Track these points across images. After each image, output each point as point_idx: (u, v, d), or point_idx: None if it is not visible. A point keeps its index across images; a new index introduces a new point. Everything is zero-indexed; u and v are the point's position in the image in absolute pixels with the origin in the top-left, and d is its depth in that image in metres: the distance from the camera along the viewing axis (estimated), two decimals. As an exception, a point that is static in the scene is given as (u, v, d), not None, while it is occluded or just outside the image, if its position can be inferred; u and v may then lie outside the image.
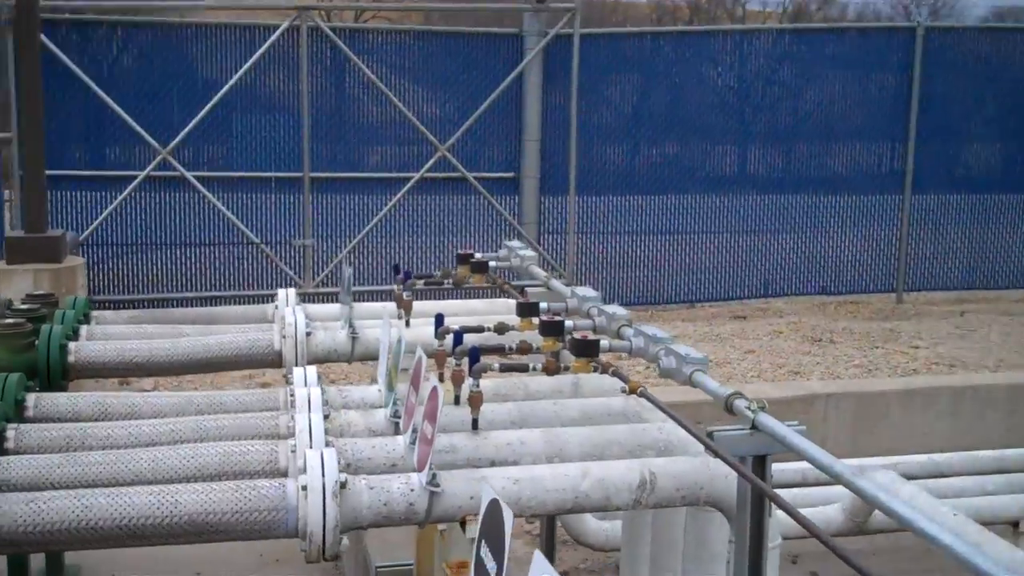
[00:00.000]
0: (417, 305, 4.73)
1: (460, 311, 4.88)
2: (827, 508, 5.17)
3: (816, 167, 12.15)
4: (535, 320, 3.91)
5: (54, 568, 5.31)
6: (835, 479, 2.67)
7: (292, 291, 5.01)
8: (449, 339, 3.76)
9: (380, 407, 3.68)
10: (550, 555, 4.57)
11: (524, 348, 3.72)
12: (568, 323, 3.78)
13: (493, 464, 3.28)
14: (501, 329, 3.96)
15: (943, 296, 12.24)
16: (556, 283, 4.97)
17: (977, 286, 12.44)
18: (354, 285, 5.47)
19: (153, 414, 3.62)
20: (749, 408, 2.97)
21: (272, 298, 5.15)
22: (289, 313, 4.58)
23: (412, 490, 2.94)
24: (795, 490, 5.34)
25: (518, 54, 10.97)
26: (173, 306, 9.80)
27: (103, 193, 10.26)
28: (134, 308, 9.59)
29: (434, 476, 2.95)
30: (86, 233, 10.10)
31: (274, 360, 4.50)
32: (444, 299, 5.73)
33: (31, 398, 3.64)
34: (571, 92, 10.92)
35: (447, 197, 11.09)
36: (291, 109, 10.61)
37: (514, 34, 11.04)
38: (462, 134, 10.87)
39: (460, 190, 11.06)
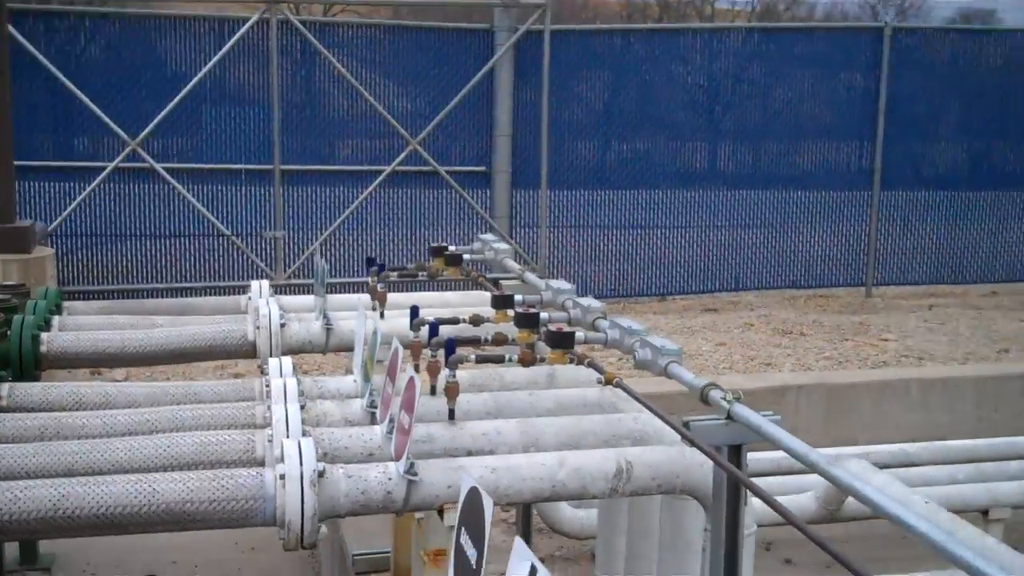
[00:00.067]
0: (391, 297, 4.73)
1: (434, 303, 4.88)
2: (800, 496, 5.22)
3: (785, 164, 12.25)
4: (510, 312, 3.91)
5: (29, 556, 5.30)
6: (810, 468, 2.69)
7: (266, 283, 4.99)
8: (424, 330, 3.76)
9: (356, 397, 3.68)
10: (526, 543, 4.58)
11: (499, 340, 3.73)
12: (543, 315, 3.80)
13: (470, 454, 3.29)
14: (476, 321, 3.97)
15: (911, 290, 12.37)
16: (531, 276, 4.98)
17: (945, 281, 12.58)
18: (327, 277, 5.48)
19: (128, 404, 3.61)
20: (725, 399, 2.99)
21: (244, 290, 5.14)
22: (263, 304, 4.56)
23: (390, 479, 2.94)
24: (768, 479, 5.38)
25: (489, 49, 10.98)
26: (143, 297, 9.76)
27: (72, 184, 10.20)
28: (104, 299, 9.53)
29: (412, 465, 2.95)
30: (55, 224, 10.03)
31: (248, 351, 4.48)
32: (418, 291, 5.74)
33: (4, 387, 3.61)
34: (542, 88, 10.94)
35: (419, 191, 11.10)
36: (261, 101, 10.58)
37: (485, 29, 11.05)
38: (433, 128, 10.87)
39: (432, 184, 11.07)
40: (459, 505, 2.25)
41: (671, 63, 11.87)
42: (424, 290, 5.41)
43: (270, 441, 3.15)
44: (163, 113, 10.05)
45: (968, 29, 12.58)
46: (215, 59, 10.18)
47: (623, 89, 11.78)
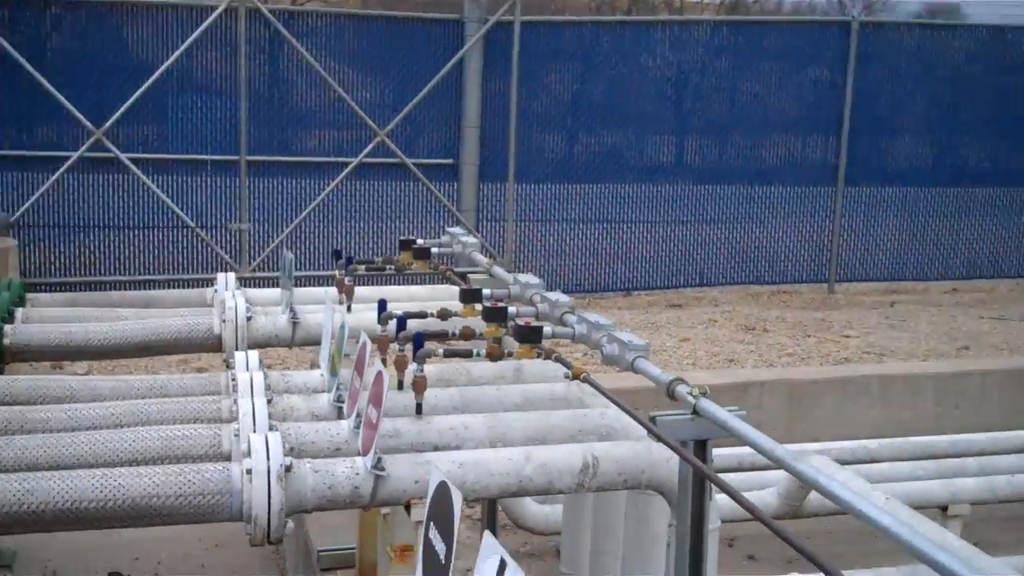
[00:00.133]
0: (358, 291, 4.72)
1: (401, 297, 4.87)
2: (763, 492, 5.26)
3: (751, 159, 12.31)
4: (478, 307, 3.92)
5: (-11, 553, 5.25)
6: (776, 463, 2.72)
7: (232, 275, 4.96)
8: (392, 324, 3.75)
9: (323, 392, 3.68)
10: (490, 540, 4.59)
11: (467, 334, 3.73)
12: (511, 309, 3.80)
13: (437, 448, 3.29)
14: (444, 315, 3.97)
15: (873, 287, 12.48)
16: (499, 270, 4.99)
17: (906, 277, 12.69)
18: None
19: (92, 398, 3.58)
20: (691, 394, 3.01)
21: (209, 282, 5.11)
22: (229, 297, 4.53)
23: (357, 474, 2.94)
24: (730, 475, 5.42)
25: (458, 40, 10.96)
26: (107, 289, 9.67)
27: (35, 174, 10.09)
28: (67, 291, 9.45)
29: (379, 460, 2.95)
30: (17, 214, 9.93)
31: (214, 344, 4.46)
32: (385, 285, 5.73)
33: (-34, 381, 3.58)
34: (511, 80, 10.95)
35: (386, 183, 11.07)
36: (228, 91, 10.51)
37: (454, 20, 11.02)
38: (401, 119, 10.85)
39: (399, 176, 11.04)
40: (427, 500, 2.26)
41: (639, 56, 11.89)
42: (391, 284, 5.42)
43: (236, 435, 3.14)
44: (128, 102, 9.97)
45: (934, 24, 12.68)
46: (182, 48, 10.11)
47: (592, 82, 11.80)
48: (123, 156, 10.07)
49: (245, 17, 10.20)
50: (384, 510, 3.84)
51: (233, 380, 3.58)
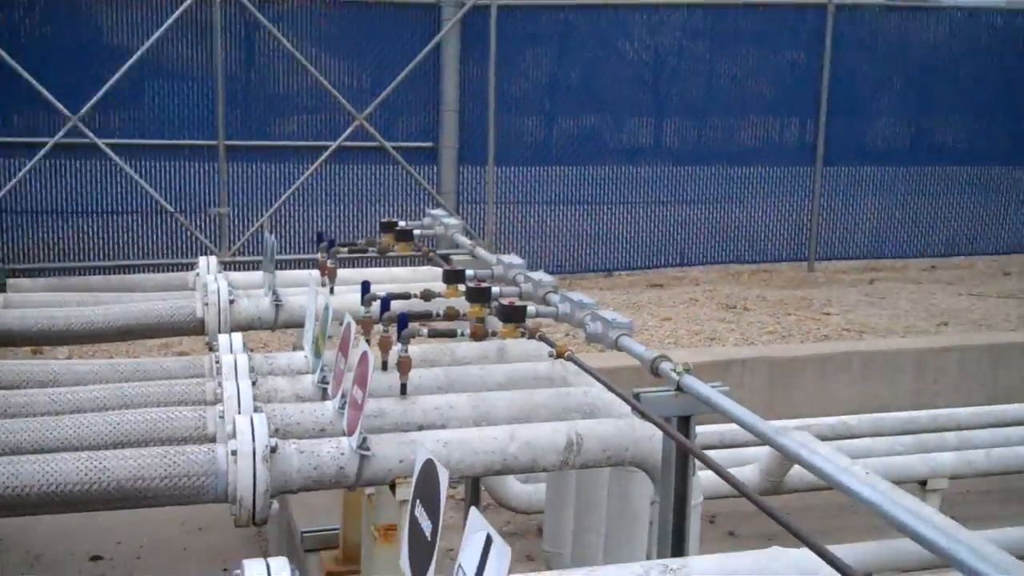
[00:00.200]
0: (340, 273, 4.73)
1: (384, 279, 4.88)
2: (744, 468, 5.29)
3: (730, 140, 12.32)
4: (461, 287, 3.93)
5: (-30, 540, 5.24)
6: (759, 437, 2.75)
7: (213, 259, 4.96)
8: (376, 306, 3.76)
9: (306, 373, 3.68)
10: (475, 519, 4.61)
11: (451, 314, 3.75)
12: (494, 290, 3.82)
13: (421, 428, 3.30)
14: (427, 296, 3.98)
15: (853, 265, 12.54)
16: (481, 251, 5.00)
17: (885, 255, 12.76)
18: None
19: (75, 382, 3.58)
20: (674, 370, 3.04)
21: (189, 267, 5.11)
22: (211, 280, 4.53)
23: (342, 454, 2.95)
24: (711, 452, 5.45)
25: (436, 24, 10.93)
26: (87, 275, 9.62)
27: (10, 160, 10.02)
28: (46, 277, 9.41)
29: (364, 440, 2.97)
30: (-7, 201, 9.87)
31: (196, 328, 4.46)
32: (366, 267, 5.73)
33: (-52, 366, 3.57)
34: (489, 64, 10.93)
35: (365, 166, 11.04)
36: (205, 76, 10.45)
37: (431, 4, 10.98)
38: (379, 103, 10.82)
39: (378, 159, 11.02)
40: (413, 478, 2.27)
41: (617, 39, 11.88)
42: (373, 266, 5.40)
43: (221, 417, 3.15)
44: (105, 88, 9.90)
45: (910, 7, 12.70)
46: (158, 33, 10.04)
47: (569, 65, 11.79)
48: (100, 142, 10.01)
49: (220, 1, 10.14)
50: (368, 490, 3.84)
51: (217, 362, 3.59)
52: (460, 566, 1.92)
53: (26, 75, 9.67)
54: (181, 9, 10.05)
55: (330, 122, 10.86)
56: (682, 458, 2.98)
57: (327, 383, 3.48)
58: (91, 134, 9.96)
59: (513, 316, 3.57)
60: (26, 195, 10.11)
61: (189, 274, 5.06)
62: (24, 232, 10.21)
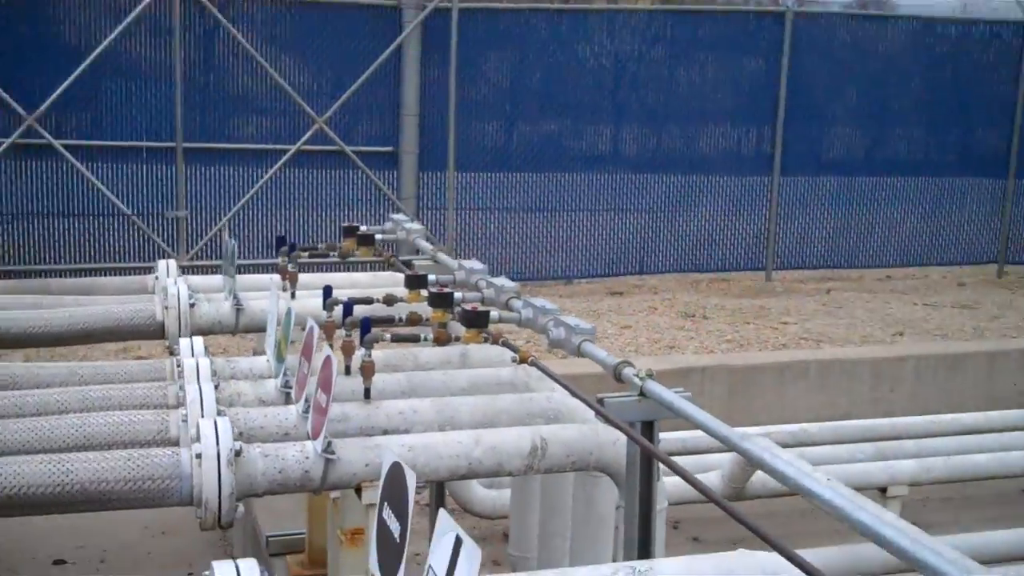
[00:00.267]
0: (301, 278, 4.71)
1: (345, 284, 4.86)
2: (707, 475, 5.32)
3: (688, 148, 12.37)
4: (423, 292, 3.93)
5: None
6: (722, 442, 2.77)
7: (173, 262, 4.93)
8: (338, 310, 3.75)
9: (269, 378, 3.67)
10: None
11: (414, 319, 3.75)
12: (457, 295, 3.82)
13: (386, 432, 3.30)
14: (390, 301, 3.97)
15: (810, 274, 12.64)
16: (443, 256, 5.00)
17: (842, 265, 12.87)
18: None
19: (35, 385, 3.54)
20: (638, 376, 3.05)
21: (148, 271, 5.07)
22: (171, 284, 4.50)
23: (307, 458, 2.94)
24: (674, 458, 5.48)
25: (396, 27, 10.91)
26: (44, 278, 9.49)
27: (-35, 161, 9.89)
28: (3, 280, 9.29)
29: (329, 444, 2.96)
30: (-54, 202, 9.73)
31: (156, 331, 4.42)
32: (326, 272, 5.71)
33: (-96, 369, 3.51)
34: (450, 67, 10.92)
35: (325, 171, 10.99)
36: (163, 77, 10.36)
37: (392, 6, 10.96)
38: (339, 107, 10.78)
39: (338, 164, 10.97)
40: (380, 481, 2.26)
41: (577, 44, 11.90)
42: (334, 271, 5.40)
43: (184, 421, 3.13)
44: (62, 88, 9.79)
45: (867, 15, 12.86)
46: (116, 32, 9.95)
47: (529, 70, 11.80)
48: (56, 143, 9.90)
49: (180, 1, 10.07)
50: (334, 494, 3.83)
51: (178, 366, 3.56)
52: (431, 567, 1.92)
53: (-19, 74, 9.55)
54: (140, 8, 9.96)
55: (290, 125, 10.80)
56: (646, 463, 3.00)
57: (290, 387, 3.47)
58: (47, 135, 9.85)
59: (476, 321, 3.57)
60: (-22, 197, 9.98)
61: (148, 278, 5.02)
62: (-23, 234, 10.07)
